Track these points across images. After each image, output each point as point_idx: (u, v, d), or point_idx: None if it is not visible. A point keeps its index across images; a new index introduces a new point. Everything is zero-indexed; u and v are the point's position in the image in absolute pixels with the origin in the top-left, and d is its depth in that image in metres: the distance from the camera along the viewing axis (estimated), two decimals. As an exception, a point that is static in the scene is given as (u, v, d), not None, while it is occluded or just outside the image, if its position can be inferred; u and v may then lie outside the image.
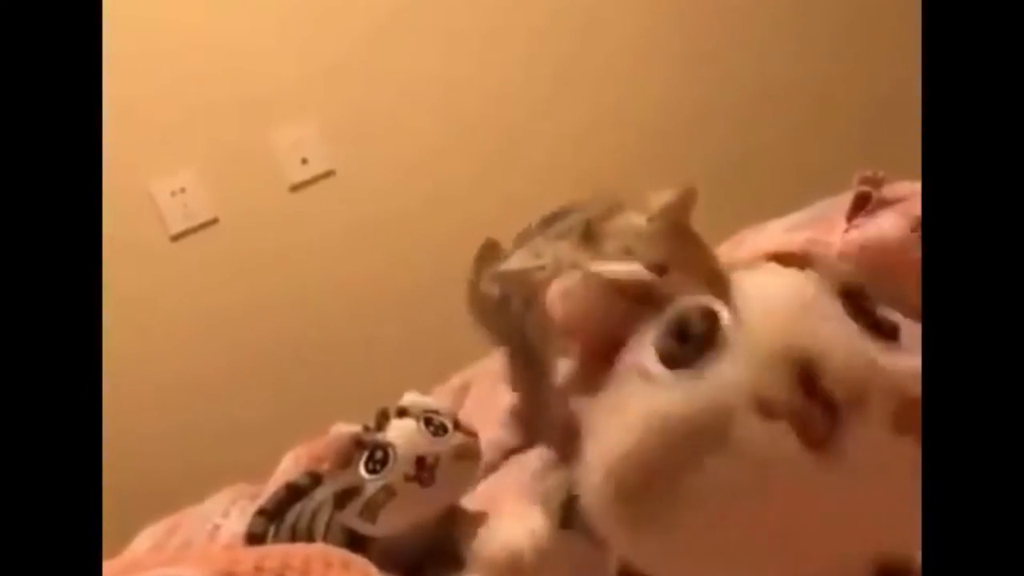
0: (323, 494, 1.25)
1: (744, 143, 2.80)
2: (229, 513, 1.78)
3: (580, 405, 0.65)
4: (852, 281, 0.64)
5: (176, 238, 2.71)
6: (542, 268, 1.09)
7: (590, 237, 1.06)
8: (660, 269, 0.99)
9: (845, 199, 1.87)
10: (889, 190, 1.79)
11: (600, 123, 2.80)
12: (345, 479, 1.16)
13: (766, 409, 0.57)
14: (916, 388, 0.58)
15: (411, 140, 2.73)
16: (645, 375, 0.61)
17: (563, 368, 0.67)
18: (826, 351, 0.59)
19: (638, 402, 0.61)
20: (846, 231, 1.74)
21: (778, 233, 1.96)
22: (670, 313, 0.63)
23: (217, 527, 1.73)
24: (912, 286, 0.63)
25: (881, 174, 1.84)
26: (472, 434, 1.22)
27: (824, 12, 2.85)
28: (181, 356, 2.67)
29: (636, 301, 0.66)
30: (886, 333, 0.62)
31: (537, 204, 1.26)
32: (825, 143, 2.79)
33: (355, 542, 1.15)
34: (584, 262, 1.01)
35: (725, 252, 2.02)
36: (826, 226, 1.87)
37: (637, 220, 1.08)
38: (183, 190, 2.71)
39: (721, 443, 0.58)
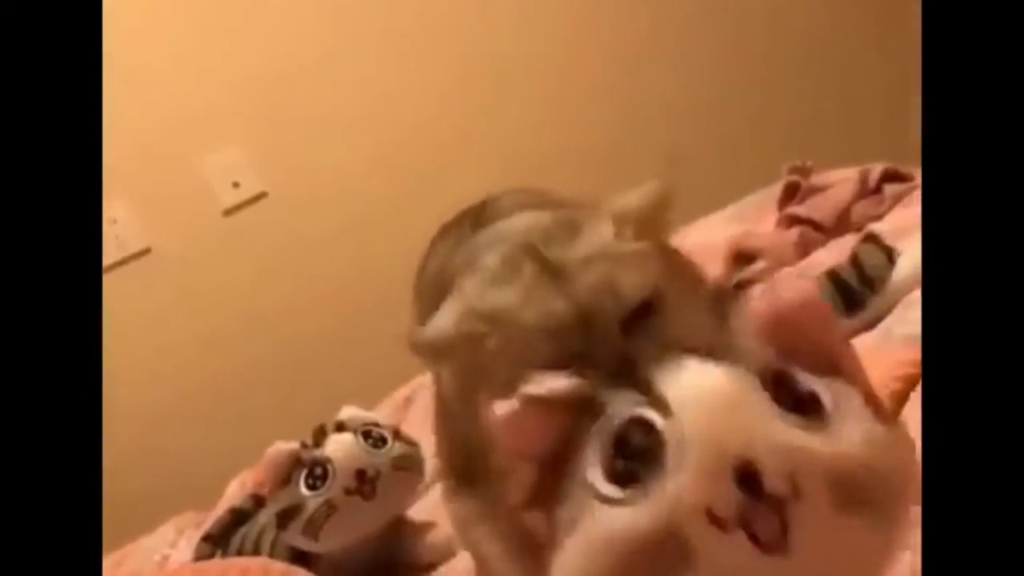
0: (266, 515, 1.24)
1: (685, 140, 2.80)
2: (177, 543, 1.76)
3: (537, 521, 0.65)
4: (774, 367, 0.64)
5: (108, 270, 2.67)
6: (483, 335, 0.78)
7: (552, 271, 0.77)
8: (655, 302, 0.77)
9: (775, 190, 1.90)
10: (817, 178, 1.82)
11: (536, 129, 2.80)
12: (286, 498, 1.15)
13: (718, 522, 0.58)
14: (850, 465, 0.59)
15: (342, 155, 2.71)
16: (598, 495, 0.61)
17: (513, 487, 0.66)
18: (762, 451, 0.59)
19: (596, 524, 0.61)
20: (778, 222, 1.77)
21: (720, 224, 1.98)
22: (610, 427, 0.63)
23: (166, 557, 1.71)
24: (822, 341, 0.65)
25: (809, 164, 1.87)
26: (412, 444, 1.21)
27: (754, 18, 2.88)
28: (119, 388, 2.63)
29: (578, 412, 0.64)
30: (811, 410, 0.62)
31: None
32: (757, 137, 2.82)
33: (301, 560, 1.14)
34: (559, 308, 0.75)
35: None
36: (758, 216, 1.90)
37: (603, 236, 0.81)
38: (115, 221, 2.67)
39: (683, 561, 0.58)
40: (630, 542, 0.59)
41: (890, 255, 1.26)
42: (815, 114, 2.77)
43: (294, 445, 1.18)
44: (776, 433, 0.60)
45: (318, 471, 1.14)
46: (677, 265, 0.85)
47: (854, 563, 0.60)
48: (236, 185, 2.71)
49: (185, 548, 1.65)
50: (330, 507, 1.12)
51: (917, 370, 1.04)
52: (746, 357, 0.65)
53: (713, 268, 1.51)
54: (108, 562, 1.78)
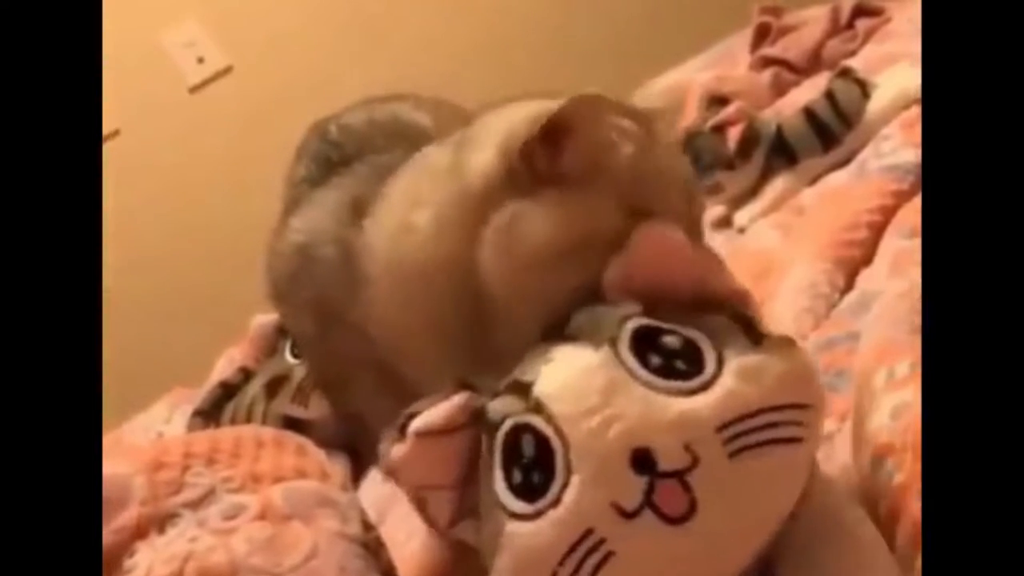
0: (255, 387, 1.25)
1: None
2: (171, 419, 1.77)
3: (467, 531, 0.67)
4: (642, 326, 0.64)
5: (79, 155, 2.63)
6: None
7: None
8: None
9: (746, 34, 1.87)
10: (789, 18, 1.80)
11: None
12: (273, 368, 1.16)
13: (626, 513, 0.59)
14: (734, 411, 0.60)
15: (303, 21, 2.66)
16: (509, 512, 0.63)
17: (436, 514, 0.67)
18: (650, 433, 0.60)
19: (514, 543, 0.62)
20: (751, 65, 1.75)
21: (692, 72, 1.96)
22: (499, 440, 0.64)
23: (160, 434, 1.72)
24: (685, 279, 0.66)
25: (780, 4, 1.84)
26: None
27: None
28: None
29: (475, 428, 0.65)
30: (687, 359, 0.63)
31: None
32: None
33: (293, 428, 1.15)
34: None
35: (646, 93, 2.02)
36: (730, 61, 1.88)
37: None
38: (80, 105, 2.63)
39: (602, 557, 0.59)
40: (549, 554, 0.60)
41: (865, 89, 1.25)
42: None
43: (277, 316, 1.18)
44: (658, 410, 0.60)
45: (303, 339, 1.14)
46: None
47: (760, 501, 0.61)
48: (200, 61, 2.65)
49: (178, 424, 1.66)
50: (317, 374, 1.13)
51: (892, 201, 1.04)
52: (616, 315, 0.65)
53: (688, 116, 1.50)
54: (106, 441, 1.80)
